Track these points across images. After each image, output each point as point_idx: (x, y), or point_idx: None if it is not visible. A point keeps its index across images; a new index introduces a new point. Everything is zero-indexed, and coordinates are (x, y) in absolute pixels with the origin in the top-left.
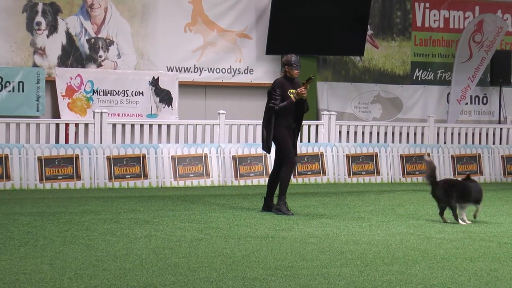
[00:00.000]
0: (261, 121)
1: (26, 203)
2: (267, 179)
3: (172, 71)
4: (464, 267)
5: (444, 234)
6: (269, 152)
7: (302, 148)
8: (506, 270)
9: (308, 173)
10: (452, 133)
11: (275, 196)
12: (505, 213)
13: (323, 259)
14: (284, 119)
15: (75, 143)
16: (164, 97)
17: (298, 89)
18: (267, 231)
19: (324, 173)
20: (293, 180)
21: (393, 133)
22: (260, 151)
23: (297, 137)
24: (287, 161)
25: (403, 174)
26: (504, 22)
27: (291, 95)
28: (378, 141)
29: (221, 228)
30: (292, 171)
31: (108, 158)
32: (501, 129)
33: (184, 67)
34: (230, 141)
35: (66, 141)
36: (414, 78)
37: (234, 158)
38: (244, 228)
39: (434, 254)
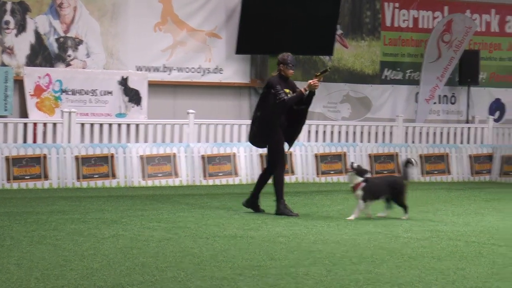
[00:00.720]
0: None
1: None
2: (236, 178)
3: (141, 70)
4: (431, 266)
5: (411, 233)
6: (279, 150)
7: None
8: (473, 269)
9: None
10: (420, 133)
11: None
12: (472, 212)
13: (291, 258)
14: (277, 122)
15: (43, 142)
16: (133, 97)
17: (311, 81)
18: (236, 230)
19: (292, 172)
20: None
21: (362, 133)
22: (229, 150)
23: (297, 135)
24: (280, 163)
25: (372, 173)
26: (473, 22)
27: (301, 88)
28: (347, 141)
29: (190, 228)
30: (284, 173)
31: (76, 158)
32: (469, 128)
33: (153, 67)
34: (199, 141)
35: (34, 140)
36: (383, 77)
37: (203, 157)
38: (212, 228)
39: (401, 253)
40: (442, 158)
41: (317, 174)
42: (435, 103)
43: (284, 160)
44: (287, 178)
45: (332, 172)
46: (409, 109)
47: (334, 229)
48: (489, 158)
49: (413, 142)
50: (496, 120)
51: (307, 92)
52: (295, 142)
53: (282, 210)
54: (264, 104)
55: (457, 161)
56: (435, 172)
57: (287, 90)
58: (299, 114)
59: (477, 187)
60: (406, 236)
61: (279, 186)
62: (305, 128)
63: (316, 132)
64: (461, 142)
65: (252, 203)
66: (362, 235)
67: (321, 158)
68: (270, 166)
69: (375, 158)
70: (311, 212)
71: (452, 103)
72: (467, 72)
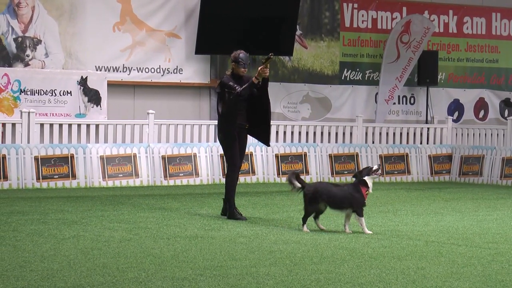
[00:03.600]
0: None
1: None
2: (196, 179)
3: (100, 70)
4: (392, 265)
5: (372, 233)
6: (231, 149)
7: None
8: (433, 268)
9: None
10: (380, 133)
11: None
12: (432, 212)
13: (252, 258)
14: (235, 119)
15: (2, 143)
16: (93, 97)
17: (259, 68)
18: (196, 231)
19: (253, 172)
20: (222, 179)
21: (322, 133)
22: (189, 151)
23: (269, 128)
24: (231, 165)
25: (332, 173)
26: (431, 23)
27: (253, 77)
28: (307, 141)
29: (150, 228)
30: (236, 175)
31: (36, 158)
32: (428, 129)
33: (112, 67)
34: (159, 141)
35: None
36: (342, 78)
37: (163, 158)
38: (173, 228)
39: (362, 253)
40: (401, 158)
41: (278, 174)
42: (394, 103)
43: (237, 163)
44: (248, 179)
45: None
46: (368, 110)
47: (295, 229)
48: (449, 158)
49: (373, 142)
50: (455, 121)
51: (258, 81)
52: (257, 140)
53: (232, 214)
54: (223, 103)
55: (417, 161)
56: (395, 172)
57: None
58: (261, 106)
59: (437, 187)
60: (367, 236)
61: (228, 188)
62: None
63: (276, 132)
64: (421, 142)
65: (224, 209)
66: (323, 235)
67: (282, 159)
68: (227, 166)
69: (335, 159)
70: (272, 212)
71: (411, 104)
72: (425, 72)
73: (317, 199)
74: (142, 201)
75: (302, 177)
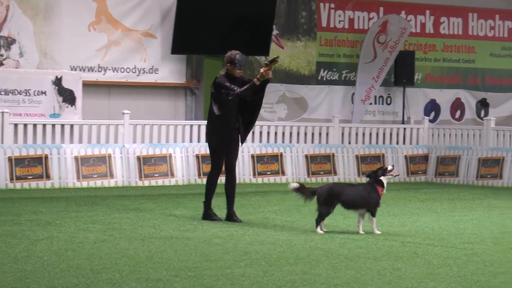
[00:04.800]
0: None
1: None
2: (172, 179)
3: (75, 70)
4: (368, 266)
5: (347, 234)
6: (221, 153)
7: (207, 148)
8: (408, 269)
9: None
10: (356, 133)
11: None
12: (408, 213)
13: (227, 259)
14: (231, 121)
15: None
16: (68, 97)
17: (262, 69)
18: (171, 232)
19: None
20: (198, 180)
21: (298, 133)
22: (164, 151)
23: (248, 132)
24: (216, 168)
25: (308, 174)
26: (408, 23)
27: (255, 78)
28: (283, 141)
29: (125, 229)
30: (217, 178)
31: (10, 159)
32: (404, 129)
33: (88, 67)
34: (134, 141)
35: None
36: (319, 78)
37: (138, 158)
38: (148, 229)
39: (337, 254)
40: (378, 159)
41: (254, 174)
42: (371, 103)
43: (220, 167)
44: (222, 179)
45: (268, 172)
46: (345, 110)
47: (270, 230)
48: (425, 158)
49: (349, 142)
50: (431, 121)
51: (260, 82)
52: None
53: (208, 214)
54: (218, 104)
55: (393, 162)
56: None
57: None
58: (252, 108)
59: (413, 188)
60: (343, 236)
61: (209, 190)
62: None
63: (253, 132)
64: (397, 143)
65: (229, 215)
66: (299, 235)
67: (258, 159)
68: (229, 170)
69: (311, 159)
70: (247, 213)
71: (388, 104)
72: (402, 73)
73: (332, 200)
74: (117, 202)
75: (278, 177)
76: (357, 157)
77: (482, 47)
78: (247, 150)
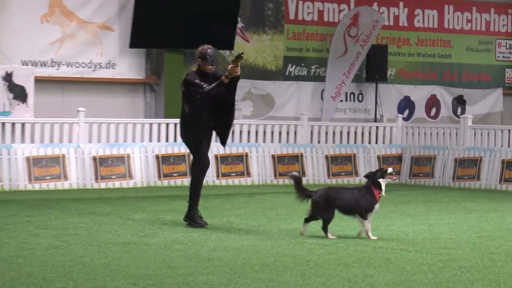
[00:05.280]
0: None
1: None
2: (130, 181)
3: (27, 65)
4: (338, 273)
5: (317, 239)
6: (197, 149)
7: (168, 148)
8: (381, 276)
9: (174, 174)
10: (326, 132)
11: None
12: (380, 216)
13: (189, 266)
14: (202, 119)
15: None
16: (19, 93)
17: (230, 66)
18: (129, 237)
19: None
20: (157, 182)
21: (264, 132)
22: (122, 151)
23: (229, 128)
24: (200, 165)
25: (275, 175)
26: (380, 16)
27: (223, 76)
28: (248, 141)
29: (80, 235)
30: (204, 174)
31: None
32: (377, 127)
33: (40, 61)
34: (90, 141)
35: None
36: (287, 73)
37: (94, 159)
38: (104, 235)
39: (306, 260)
40: (349, 159)
41: (218, 176)
42: (341, 100)
43: (205, 162)
44: (186, 181)
45: (233, 174)
46: (314, 107)
47: (235, 235)
48: (398, 158)
49: (318, 142)
50: (405, 119)
51: (228, 80)
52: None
53: (191, 218)
54: (189, 102)
55: (365, 162)
56: (342, 173)
57: None
58: (226, 105)
59: (386, 190)
60: (312, 242)
61: (194, 190)
62: None
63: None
64: (369, 142)
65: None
66: (265, 241)
67: (222, 159)
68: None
69: (278, 159)
70: (210, 217)
71: (360, 101)
72: (374, 68)
73: (332, 205)
74: (71, 206)
75: (243, 179)
76: (327, 157)
77: (459, 41)
78: (210, 150)
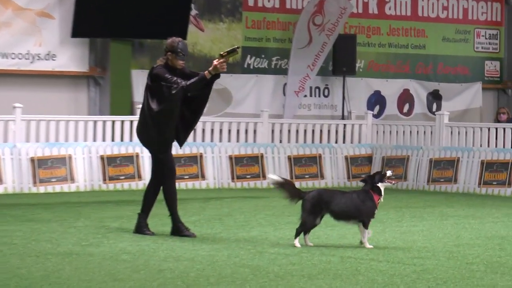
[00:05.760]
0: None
1: None
2: (72, 185)
3: None
4: (301, 285)
5: (278, 248)
6: (166, 150)
7: (114, 148)
8: None
9: (121, 177)
10: (289, 130)
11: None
12: None
13: (137, 279)
14: (174, 118)
15: None
16: None
17: (216, 62)
18: (71, 247)
19: (139, 177)
20: (103, 185)
21: (221, 131)
22: (64, 152)
23: (189, 133)
24: (168, 170)
25: (233, 178)
26: (348, 3)
27: (206, 71)
28: (203, 140)
29: (16, 244)
30: (174, 180)
31: None
32: (344, 125)
33: None
34: (27, 140)
35: None
36: (245, 66)
37: (32, 160)
38: (43, 244)
39: (266, 271)
40: (314, 160)
41: None
42: (305, 96)
43: (173, 167)
44: (134, 184)
45: (186, 177)
46: (275, 103)
47: (188, 244)
48: (368, 159)
49: (280, 141)
50: (375, 116)
51: (211, 76)
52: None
53: (178, 232)
54: (159, 98)
55: (332, 163)
56: (306, 176)
57: None
58: (196, 104)
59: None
60: (273, 251)
61: (171, 199)
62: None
63: None
64: (336, 142)
65: (176, 228)
66: (221, 250)
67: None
68: (157, 176)
69: (236, 160)
70: (161, 224)
71: (325, 96)
72: (342, 60)
73: (320, 208)
74: (7, 212)
75: (197, 182)
76: (289, 158)
77: (434, 31)
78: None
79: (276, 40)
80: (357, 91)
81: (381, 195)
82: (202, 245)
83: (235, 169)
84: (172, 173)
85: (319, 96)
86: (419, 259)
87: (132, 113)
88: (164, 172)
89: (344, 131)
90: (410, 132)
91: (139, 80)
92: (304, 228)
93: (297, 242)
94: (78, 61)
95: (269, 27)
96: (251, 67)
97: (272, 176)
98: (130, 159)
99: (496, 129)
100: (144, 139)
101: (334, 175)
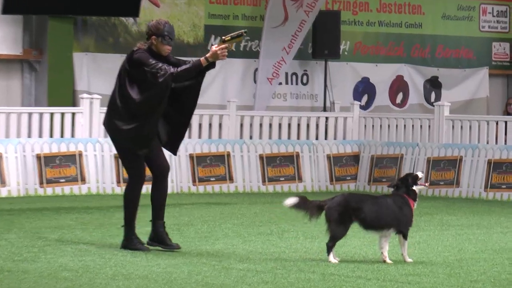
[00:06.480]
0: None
1: None
2: (3, 189)
3: None
4: None
5: (248, 264)
6: (147, 152)
7: (53, 146)
8: None
9: (61, 180)
10: (260, 124)
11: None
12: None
13: None
14: (149, 108)
15: None
16: None
17: (216, 47)
18: (2, 262)
19: (83, 180)
20: (39, 190)
21: None
22: None
23: (184, 132)
24: (135, 176)
25: (194, 181)
26: None
27: (202, 58)
28: None
29: None
30: (140, 191)
31: None
32: (326, 118)
33: None
34: None
35: None
36: (209, 48)
37: None
38: None
39: None
40: (290, 160)
41: (118, 182)
42: (280, 83)
43: (142, 174)
44: (76, 188)
45: None
46: (245, 92)
47: (141, 259)
48: (355, 159)
49: (250, 137)
50: (363, 107)
51: (207, 64)
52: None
53: (130, 242)
54: (140, 86)
55: (311, 164)
56: (281, 178)
57: None
58: (187, 96)
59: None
60: (242, 267)
61: (128, 207)
62: (100, 119)
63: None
64: (317, 138)
65: (159, 237)
66: (180, 267)
67: None
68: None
69: (198, 160)
70: (109, 236)
71: (304, 84)
72: (323, 41)
73: (349, 216)
74: None
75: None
76: (261, 157)
77: (432, 7)
78: (108, 149)
79: (246, 17)
80: (342, 78)
81: (416, 200)
82: (157, 260)
83: (197, 170)
84: (140, 179)
85: (297, 84)
86: (414, 276)
87: (74, 103)
88: (131, 175)
89: (326, 126)
90: (404, 126)
91: (82, 65)
92: (335, 241)
93: (331, 257)
94: (10, 43)
95: (237, 2)
96: None
97: (288, 202)
98: (71, 159)
99: (506, 122)
100: (115, 135)
101: (314, 177)
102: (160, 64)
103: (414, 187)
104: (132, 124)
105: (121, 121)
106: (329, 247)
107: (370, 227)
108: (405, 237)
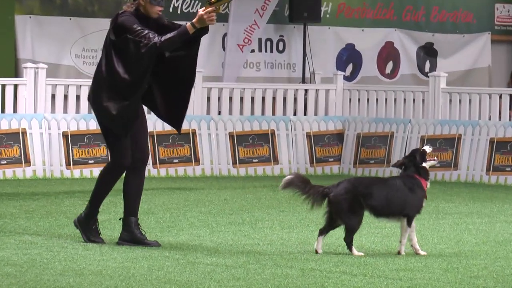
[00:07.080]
0: None
1: None
2: None
3: None
4: None
5: (217, 258)
6: (126, 135)
7: None
8: None
9: (2, 162)
10: (230, 98)
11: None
12: (311, 223)
13: None
14: (141, 86)
15: None
16: None
17: (202, 11)
18: None
19: (27, 162)
20: None
21: None
22: None
23: (186, 105)
24: (117, 159)
25: (154, 163)
26: None
27: (189, 23)
28: None
29: None
30: (118, 176)
31: None
32: (306, 91)
33: None
34: None
35: None
36: (171, 10)
37: None
38: None
39: None
40: (265, 139)
41: (67, 164)
42: (253, 51)
43: (123, 160)
44: (19, 172)
45: (91, 161)
46: (212, 61)
47: (94, 253)
48: (338, 137)
49: (219, 113)
50: (348, 78)
51: (195, 31)
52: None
53: (83, 227)
54: (121, 57)
55: (289, 143)
56: (254, 160)
57: None
58: (182, 69)
59: (319, 184)
60: (210, 262)
61: (100, 188)
62: (46, 91)
63: (65, 96)
64: (295, 113)
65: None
66: (140, 261)
67: (75, 139)
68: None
69: (159, 139)
70: (57, 226)
71: (280, 52)
72: (302, 2)
73: (360, 204)
74: None
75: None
76: (231, 135)
77: None
78: (56, 126)
79: None
80: (323, 45)
81: (428, 179)
82: (113, 253)
83: (158, 150)
84: (121, 165)
85: (272, 51)
86: (406, 271)
87: (16, 74)
88: (113, 157)
89: (306, 99)
90: (395, 100)
91: (26, 30)
92: (352, 234)
93: (355, 252)
94: None
95: None
96: (178, 11)
97: (283, 182)
98: (15, 138)
99: (510, 96)
100: (101, 111)
101: (292, 159)
102: (146, 32)
103: (424, 164)
104: (113, 101)
105: (108, 98)
106: (348, 243)
107: (381, 214)
108: (409, 222)
